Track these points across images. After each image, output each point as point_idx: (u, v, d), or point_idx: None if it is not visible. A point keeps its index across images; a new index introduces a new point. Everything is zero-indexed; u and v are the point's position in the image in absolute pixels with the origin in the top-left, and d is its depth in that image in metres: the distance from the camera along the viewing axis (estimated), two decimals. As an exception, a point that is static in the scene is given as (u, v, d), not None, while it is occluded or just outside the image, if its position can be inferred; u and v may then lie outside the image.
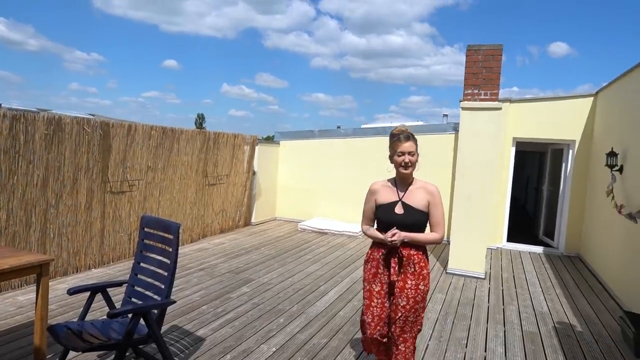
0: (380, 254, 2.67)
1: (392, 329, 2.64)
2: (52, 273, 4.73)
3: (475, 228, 5.85)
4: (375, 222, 2.77)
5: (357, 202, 8.90)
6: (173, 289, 4.65)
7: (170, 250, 2.94)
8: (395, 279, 2.62)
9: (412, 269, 2.60)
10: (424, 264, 2.63)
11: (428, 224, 2.68)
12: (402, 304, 2.58)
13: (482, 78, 5.88)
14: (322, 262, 6.24)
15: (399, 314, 2.59)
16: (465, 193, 5.87)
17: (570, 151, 7.74)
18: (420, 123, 11.79)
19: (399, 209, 2.64)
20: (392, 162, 2.70)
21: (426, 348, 3.67)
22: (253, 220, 8.80)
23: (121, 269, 5.24)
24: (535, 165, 11.91)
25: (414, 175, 2.72)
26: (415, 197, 2.65)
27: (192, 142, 6.83)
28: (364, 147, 8.78)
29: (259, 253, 6.51)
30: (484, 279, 5.86)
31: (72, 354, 3.09)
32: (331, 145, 9.15)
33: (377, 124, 12.00)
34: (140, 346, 3.14)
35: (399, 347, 2.64)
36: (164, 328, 3.71)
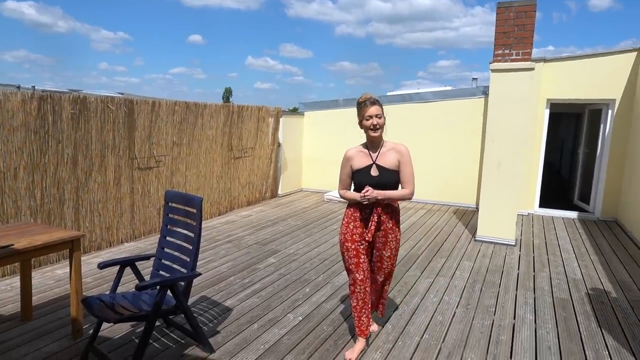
0: (360, 213, 2.91)
1: (381, 278, 3.08)
2: (86, 248, 4.93)
3: (505, 194, 5.68)
4: (352, 186, 3.00)
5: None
6: (202, 261, 4.79)
7: (194, 224, 2.97)
8: (377, 234, 2.92)
9: (390, 224, 2.91)
10: (398, 217, 2.98)
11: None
12: (387, 255, 2.99)
13: (514, 37, 5.56)
14: (348, 232, 6.24)
15: (385, 264, 3.02)
16: (495, 158, 5.67)
17: (610, 111, 7.33)
18: (449, 88, 11.39)
19: (374, 172, 2.87)
20: (361, 127, 2.93)
21: (453, 315, 3.64)
22: (279, 192, 8.87)
23: (152, 243, 5.41)
24: (571, 127, 11.38)
25: (384, 138, 2.96)
26: (387, 158, 2.88)
27: (216, 116, 6.85)
28: (388, 115, 8.56)
29: (285, 224, 6.57)
30: (514, 245, 5.73)
31: (107, 324, 3.23)
32: (356, 114, 8.97)
33: (403, 91, 11.68)
34: (170, 316, 3.26)
35: (385, 287, 3.19)
36: (193, 299, 3.82)
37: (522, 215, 7.53)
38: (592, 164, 7.82)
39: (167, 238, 3.20)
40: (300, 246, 5.49)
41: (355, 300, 2.94)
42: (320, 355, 2.99)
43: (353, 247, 2.89)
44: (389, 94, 11.73)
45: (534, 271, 4.81)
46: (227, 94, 73.28)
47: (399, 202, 2.98)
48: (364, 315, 2.96)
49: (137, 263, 3.12)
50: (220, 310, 3.66)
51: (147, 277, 3.30)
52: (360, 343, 3.00)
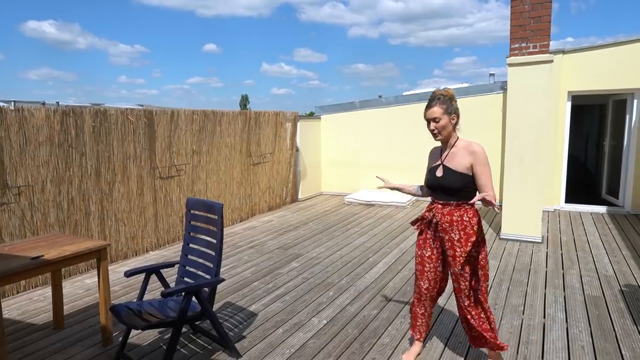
0: (425, 221, 2.74)
1: (461, 301, 2.67)
2: (113, 257, 5.02)
3: (529, 190, 5.55)
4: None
5: (402, 171, 8.69)
6: (225, 267, 4.83)
7: (216, 230, 3.00)
8: (445, 246, 2.66)
9: (456, 235, 2.57)
10: (465, 229, 2.58)
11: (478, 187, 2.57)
12: (457, 271, 2.60)
13: (530, 29, 5.45)
14: (369, 234, 6.20)
15: (458, 283, 2.64)
16: (517, 154, 5.56)
17: (635, 101, 7.11)
18: (466, 85, 11.24)
19: (439, 172, 2.64)
20: None
21: (480, 316, 3.56)
22: (300, 196, 8.88)
23: (176, 250, 5.48)
24: (594, 120, 11.08)
25: (459, 136, 2.68)
26: (457, 159, 2.59)
27: (233, 123, 6.91)
28: (406, 115, 8.53)
29: (306, 228, 6.58)
30: (540, 243, 5.59)
31: (135, 331, 3.28)
32: (373, 115, 8.95)
33: (419, 90, 11.57)
34: (197, 322, 3.29)
35: (472, 315, 2.67)
36: (218, 305, 3.85)
37: (548, 211, 7.35)
38: (619, 156, 7.60)
39: (190, 245, 3.24)
40: (322, 250, 5.48)
41: (422, 308, 2.85)
42: (346, 359, 2.97)
43: (419, 253, 2.79)
44: (405, 93, 11.64)
45: (562, 268, 4.69)
46: (244, 101, 74.03)
47: (467, 211, 2.58)
48: (425, 322, 2.90)
49: (162, 270, 3.16)
50: (245, 315, 3.68)
51: (172, 284, 3.34)
52: (417, 346, 2.95)
